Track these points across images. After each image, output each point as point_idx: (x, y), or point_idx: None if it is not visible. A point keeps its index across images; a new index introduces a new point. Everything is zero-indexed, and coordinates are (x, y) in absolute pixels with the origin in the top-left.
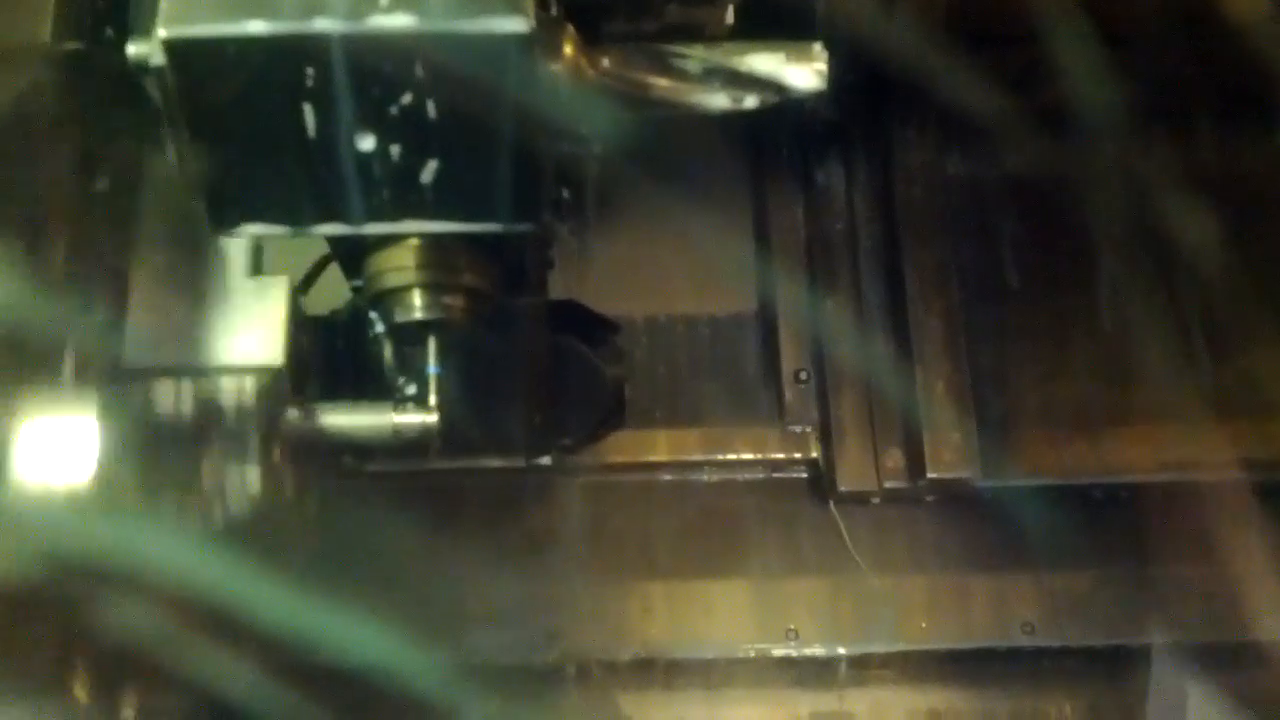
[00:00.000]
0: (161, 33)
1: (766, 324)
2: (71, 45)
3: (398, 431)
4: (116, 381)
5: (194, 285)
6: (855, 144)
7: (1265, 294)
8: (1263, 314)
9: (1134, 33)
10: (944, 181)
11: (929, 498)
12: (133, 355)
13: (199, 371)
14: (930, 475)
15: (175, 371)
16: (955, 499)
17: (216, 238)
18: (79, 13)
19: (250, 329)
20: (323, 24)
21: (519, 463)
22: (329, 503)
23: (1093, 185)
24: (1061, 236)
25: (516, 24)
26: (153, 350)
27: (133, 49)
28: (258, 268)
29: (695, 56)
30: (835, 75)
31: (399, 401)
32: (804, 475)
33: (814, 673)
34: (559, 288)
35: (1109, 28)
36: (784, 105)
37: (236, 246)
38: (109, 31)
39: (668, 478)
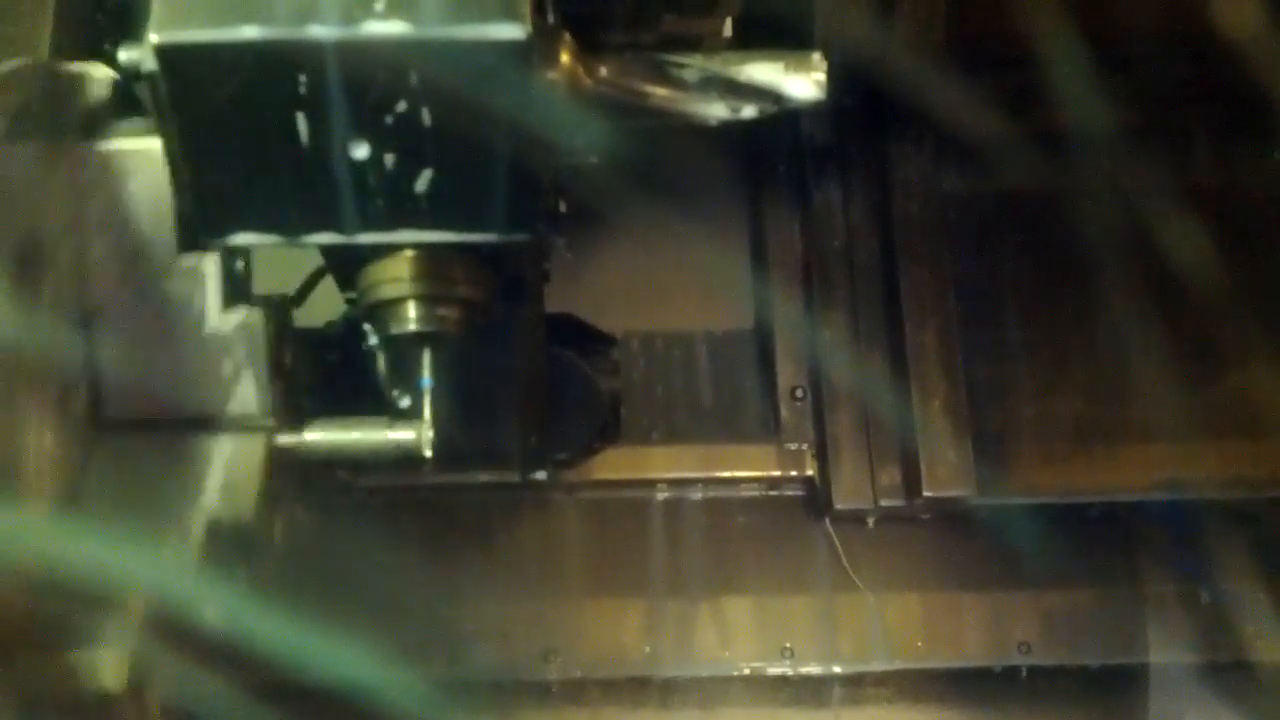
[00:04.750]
0: (153, 37)
1: (763, 341)
2: (69, 60)
3: (392, 446)
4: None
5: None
6: (852, 161)
7: (1261, 312)
8: (1258, 332)
9: (1130, 52)
10: (941, 198)
11: (925, 516)
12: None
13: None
14: (926, 493)
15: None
16: (951, 517)
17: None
18: (78, 27)
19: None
20: (317, 30)
21: (514, 478)
22: (321, 518)
23: (1089, 203)
24: (1058, 254)
25: (513, 31)
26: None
27: (124, 54)
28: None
29: (693, 65)
30: (833, 99)
31: (393, 416)
32: (800, 493)
33: (809, 691)
34: (555, 303)
35: (1105, 47)
36: (781, 123)
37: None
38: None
39: (664, 495)
